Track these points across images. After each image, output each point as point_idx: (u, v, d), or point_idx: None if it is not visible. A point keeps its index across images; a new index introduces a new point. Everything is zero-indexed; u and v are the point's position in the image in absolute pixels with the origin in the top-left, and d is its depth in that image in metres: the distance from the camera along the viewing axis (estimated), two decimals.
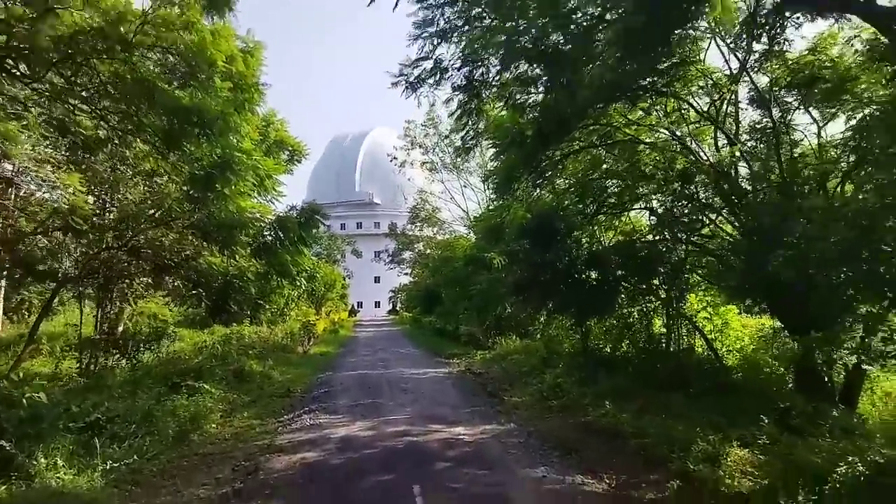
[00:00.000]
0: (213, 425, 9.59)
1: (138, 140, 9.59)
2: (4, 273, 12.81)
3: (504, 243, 16.38)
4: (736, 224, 12.27)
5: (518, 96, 10.73)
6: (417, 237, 45.23)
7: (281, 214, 12.45)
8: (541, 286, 14.36)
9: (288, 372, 16.04)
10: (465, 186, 37.77)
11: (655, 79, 11.71)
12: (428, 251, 42.64)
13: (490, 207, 21.22)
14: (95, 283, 14.59)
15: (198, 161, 9.47)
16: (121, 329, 16.81)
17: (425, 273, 40.93)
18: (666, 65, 11.56)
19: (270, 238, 12.37)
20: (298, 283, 24.36)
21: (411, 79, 8.30)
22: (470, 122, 9.60)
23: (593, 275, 13.97)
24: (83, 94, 7.75)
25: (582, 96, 10.82)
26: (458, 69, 8.26)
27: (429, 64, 8.11)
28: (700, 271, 13.34)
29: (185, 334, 21.15)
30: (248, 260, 13.49)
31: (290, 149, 20.22)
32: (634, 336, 14.38)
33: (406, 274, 51.92)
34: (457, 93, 8.76)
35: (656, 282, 12.96)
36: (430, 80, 8.26)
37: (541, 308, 14.75)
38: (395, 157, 38.22)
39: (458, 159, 35.94)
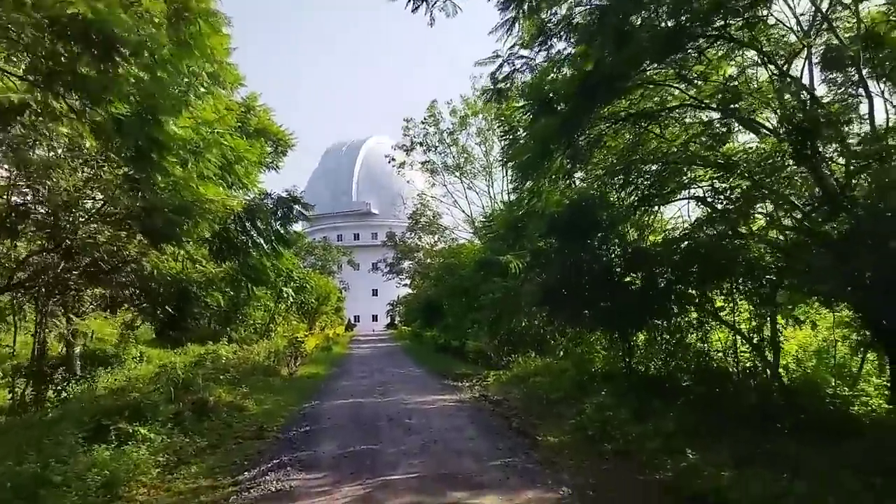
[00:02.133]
0: (142, 490, 6.82)
1: (50, 97, 6.89)
2: None
3: (526, 242, 13.71)
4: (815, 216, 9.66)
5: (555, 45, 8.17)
6: (417, 245, 42.61)
7: (251, 204, 9.72)
8: (574, 293, 11.69)
9: (266, 401, 13.24)
10: (469, 188, 35.04)
11: (728, 20, 9.16)
12: (428, 260, 39.98)
13: (507, 201, 18.44)
14: (29, 296, 11.86)
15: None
16: (77, 351, 14.07)
17: (426, 284, 38.25)
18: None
19: (237, 234, 9.67)
20: (284, 294, 21.65)
21: None
22: (515, 30, 6.96)
23: (636, 278, 11.34)
24: None
25: (635, 43, 8.33)
26: None
27: None
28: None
29: (153, 355, 18.44)
30: (215, 263, 10.75)
31: (275, 138, 17.56)
32: (686, 355, 11.69)
33: (405, 285, 49.14)
34: None
35: (728, 286, 10.25)
36: None
37: (575, 319, 12.03)
38: (393, 159, 35.69)
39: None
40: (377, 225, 75.64)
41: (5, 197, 9.80)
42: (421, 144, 34.06)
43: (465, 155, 34.35)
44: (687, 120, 11.65)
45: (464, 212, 36.22)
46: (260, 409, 12.28)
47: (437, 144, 34.13)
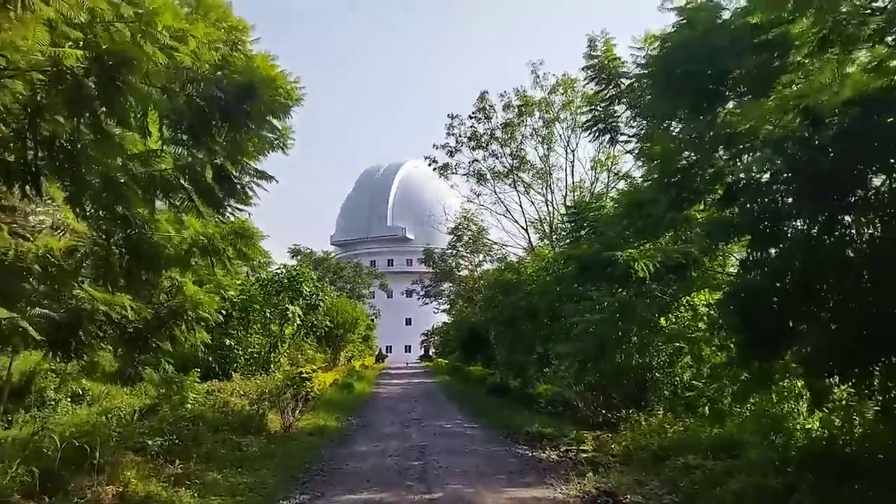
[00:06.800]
0: None
1: None
2: None
3: (671, 218, 7.74)
4: None
5: None
6: (459, 265, 37.06)
7: (114, 58, 4.09)
8: (818, 301, 5.71)
9: (216, 489, 7.44)
10: (524, 194, 29.40)
11: None
12: (471, 284, 34.21)
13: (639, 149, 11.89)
14: None
15: None
16: None
17: (470, 309, 32.36)
18: None
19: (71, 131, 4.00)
20: (290, 313, 16.09)
21: None
22: None
23: None
24: None
25: None
26: None
27: None
28: None
29: (98, 394, 13.18)
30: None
31: (274, 88, 12.22)
32: None
33: (443, 311, 43.26)
34: None
35: None
36: None
37: (824, 351, 5.83)
38: (434, 160, 30.32)
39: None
40: (412, 251, 70.53)
41: None
42: (470, 139, 28.58)
43: (518, 160, 28.77)
44: None
45: (517, 222, 30.40)
46: None
47: (488, 142, 28.64)
